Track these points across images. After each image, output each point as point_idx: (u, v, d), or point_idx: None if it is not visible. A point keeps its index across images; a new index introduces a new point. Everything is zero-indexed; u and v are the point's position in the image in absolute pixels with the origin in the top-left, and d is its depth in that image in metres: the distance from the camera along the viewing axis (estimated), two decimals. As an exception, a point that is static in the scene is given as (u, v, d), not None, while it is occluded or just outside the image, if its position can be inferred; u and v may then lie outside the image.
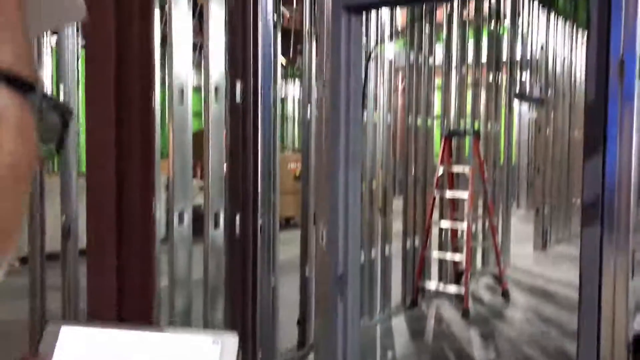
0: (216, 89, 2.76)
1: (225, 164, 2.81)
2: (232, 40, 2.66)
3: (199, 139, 2.94)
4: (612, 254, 1.70)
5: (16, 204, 0.37)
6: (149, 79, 2.48)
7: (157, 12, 3.09)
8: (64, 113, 0.40)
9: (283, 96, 15.46)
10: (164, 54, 3.07)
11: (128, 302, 2.59)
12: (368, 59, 4.62)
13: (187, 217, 2.89)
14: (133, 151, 2.41)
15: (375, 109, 4.99)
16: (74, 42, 3.68)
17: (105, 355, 0.65)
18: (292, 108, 15.62)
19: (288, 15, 10.39)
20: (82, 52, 3.98)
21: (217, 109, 2.75)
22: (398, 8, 5.51)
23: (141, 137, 2.44)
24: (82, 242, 3.19)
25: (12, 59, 0.35)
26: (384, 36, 4.97)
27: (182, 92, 2.74)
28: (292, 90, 15.41)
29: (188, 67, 2.93)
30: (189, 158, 2.85)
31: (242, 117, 2.53)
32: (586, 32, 1.75)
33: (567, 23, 8.71)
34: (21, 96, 0.36)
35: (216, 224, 2.81)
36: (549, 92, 8.24)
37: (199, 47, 3.43)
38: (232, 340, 0.65)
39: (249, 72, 2.49)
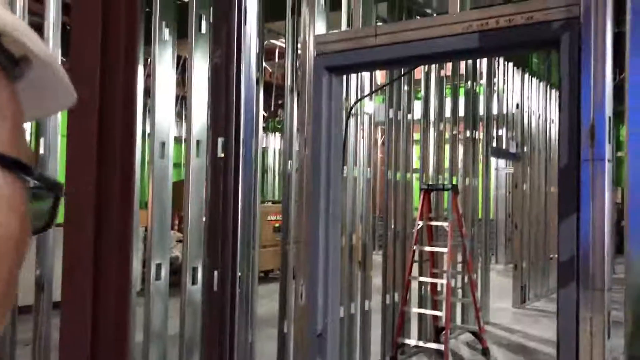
0: (198, 143, 2.78)
1: (204, 218, 2.81)
2: (215, 94, 2.70)
3: (179, 189, 2.94)
4: (588, 313, 1.71)
5: (5, 276, 0.38)
6: (131, 132, 2.50)
7: (140, 65, 3.15)
8: (56, 191, 0.42)
9: (264, 146, 15.57)
10: (147, 105, 3.11)
11: (101, 357, 2.52)
12: (348, 115, 4.70)
13: (165, 271, 2.86)
14: (111, 203, 2.40)
15: (355, 163, 5.05)
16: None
17: None
18: (272, 160, 15.71)
19: (270, 70, 10.60)
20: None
21: (198, 162, 2.77)
22: (378, 66, 5.67)
23: (121, 190, 2.44)
24: (56, 295, 3.12)
25: (7, 141, 0.37)
26: (364, 93, 5.08)
27: (163, 145, 2.76)
28: (272, 142, 15.54)
29: (170, 120, 2.96)
30: (167, 211, 2.84)
31: (223, 171, 2.54)
32: (559, 98, 1.83)
33: (541, 83, 9.01)
34: (15, 175, 0.38)
35: (194, 280, 2.78)
36: (525, 148, 8.43)
37: (182, 99, 3.47)
38: None
39: (231, 126, 2.52)
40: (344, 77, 2.52)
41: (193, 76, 2.82)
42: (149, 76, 3.12)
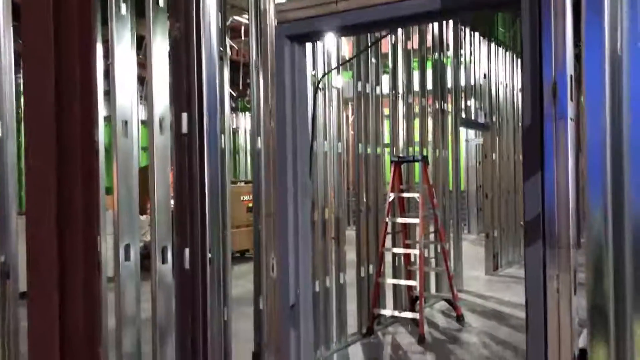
0: (161, 121, 2.72)
1: (172, 197, 2.77)
2: (175, 71, 2.64)
3: (148, 174, 2.87)
4: (555, 271, 1.74)
5: None
6: (91, 113, 2.43)
7: (99, 47, 3.05)
8: None
9: (235, 127, 15.43)
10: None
11: (72, 344, 2.49)
12: (316, 89, 4.66)
13: (134, 252, 2.81)
14: (75, 187, 2.34)
15: (326, 138, 5.03)
16: (11, 76, 3.57)
17: None
18: (244, 140, 15.59)
19: (237, 48, 10.44)
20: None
21: (162, 140, 2.71)
22: (344, 39, 5.62)
23: (83, 172, 2.38)
24: (22, 285, 3.05)
25: None
26: (331, 66, 5.04)
27: (125, 124, 2.69)
28: (243, 123, 15.40)
29: (132, 99, 2.88)
30: (134, 190, 2.78)
31: (188, 148, 2.50)
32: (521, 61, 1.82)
33: (508, 52, 9.07)
34: None
35: (164, 259, 2.74)
36: (494, 118, 8.51)
37: (145, 81, 3.39)
38: None
39: (194, 102, 2.47)
40: (308, 46, 2.48)
41: (153, 52, 2.74)
42: (108, 57, 3.03)
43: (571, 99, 1.76)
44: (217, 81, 2.83)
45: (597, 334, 1.62)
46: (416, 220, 5.64)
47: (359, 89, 5.53)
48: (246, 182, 11.11)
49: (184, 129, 2.58)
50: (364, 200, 5.55)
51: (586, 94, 1.63)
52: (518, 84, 9.41)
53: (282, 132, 2.24)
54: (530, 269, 1.76)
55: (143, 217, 5.82)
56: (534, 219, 1.75)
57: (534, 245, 1.75)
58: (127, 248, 2.76)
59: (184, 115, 2.60)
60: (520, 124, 9.33)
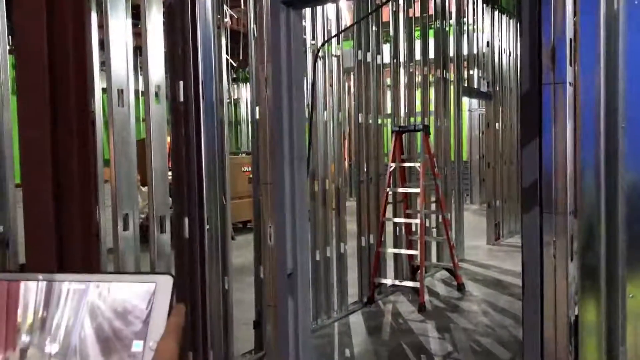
0: (157, 90, 2.69)
1: (169, 165, 2.75)
2: (170, 39, 2.60)
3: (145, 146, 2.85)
4: (551, 237, 1.73)
5: None
6: (85, 83, 2.40)
7: (94, 16, 3.01)
8: None
9: (236, 98, 15.34)
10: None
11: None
12: (315, 58, 4.61)
13: (133, 221, 2.81)
14: (71, 157, 2.33)
15: (326, 108, 4.99)
16: (3, 46, 3.53)
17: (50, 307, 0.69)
18: (245, 111, 15.51)
19: (236, 17, 10.30)
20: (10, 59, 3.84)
21: (158, 109, 2.69)
22: (344, 7, 5.53)
23: (79, 143, 2.36)
24: (22, 257, 3.06)
25: None
26: (331, 35, 4.97)
27: (121, 92, 2.67)
28: (244, 94, 15.31)
29: (127, 68, 2.85)
30: (132, 160, 2.77)
31: (184, 116, 2.47)
32: (519, 25, 1.79)
33: (511, 20, 8.92)
34: None
35: (162, 229, 2.74)
36: (497, 86, 8.42)
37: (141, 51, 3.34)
38: (167, 281, 0.67)
39: (189, 69, 2.44)
40: (304, 12, 2.43)
41: (147, 19, 2.70)
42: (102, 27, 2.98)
43: (570, 64, 1.73)
44: (214, 49, 2.79)
45: (588, 298, 1.62)
46: (417, 190, 5.64)
47: (360, 57, 5.47)
48: (248, 154, 11.09)
49: (180, 97, 2.56)
50: (365, 170, 5.54)
51: (580, 56, 1.59)
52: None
53: (278, 100, 2.22)
54: (526, 235, 1.76)
55: (144, 189, 5.83)
56: (531, 185, 1.74)
57: (530, 211, 1.74)
58: (125, 218, 2.76)
59: (180, 84, 2.57)
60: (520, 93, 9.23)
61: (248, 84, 14.73)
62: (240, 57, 12.07)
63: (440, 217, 6.40)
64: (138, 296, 0.67)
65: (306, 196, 2.36)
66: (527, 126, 1.76)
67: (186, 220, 2.73)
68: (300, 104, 2.31)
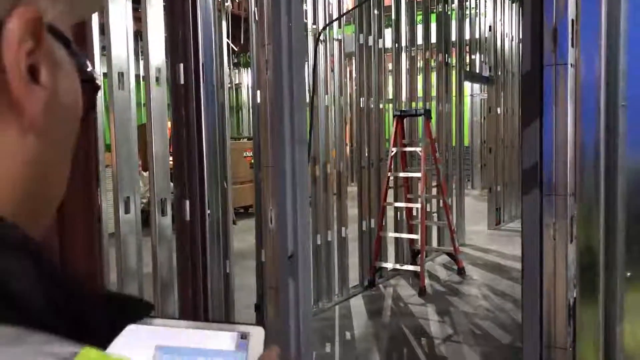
0: (158, 72, 2.69)
1: (170, 149, 2.76)
2: (171, 22, 2.59)
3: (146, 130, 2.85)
4: (551, 219, 1.73)
5: (71, 142, 0.43)
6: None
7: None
8: (93, 81, 0.46)
9: (237, 83, 15.29)
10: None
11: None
12: (317, 41, 4.59)
13: (134, 205, 2.82)
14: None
15: (327, 92, 4.98)
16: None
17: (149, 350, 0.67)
18: (246, 96, 15.47)
19: (237, 1, 10.23)
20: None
21: (159, 91, 2.68)
22: (346, -10, 5.49)
23: (81, 126, 2.36)
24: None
25: (63, 23, 0.40)
26: (332, 19, 4.95)
27: (122, 75, 2.66)
28: (246, 79, 15.26)
29: (128, 51, 2.84)
30: (133, 143, 2.78)
31: (185, 98, 2.47)
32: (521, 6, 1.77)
33: (514, 4, 8.85)
34: (71, 55, 0.41)
35: (163, 211, 2.75)
36: (499, 71, 8.38)
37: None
38: (259, 333, 0.66)
39: (190, 51, 2.43)
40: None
41: (148, 1, 2.69)
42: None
43: (572, 45, 1.72)
44: (215, 32, 2.78)
45: (586, 288, 1.62)
46: (418, 175, 5.64)
47: (361, 41, 5.44)
48: (249, 139, 11.09)
49: (181, 79, 2.55)
50: (366, 155, 5.54)
51: (581, 37, 1.58)
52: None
53: (279, 82, 2.21)
54: (527, 217, 1.76)
55: (145, 174, 5.83)
56: (531, 166, 1.74)
57: (530, 193, 1.75)
58: (127, 201, 2.77)
59: (181, 66, 2.56)
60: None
61: (249, 68, 14.71)
62: (242, 42, 12.02)
63: (441, 201, 6.41)
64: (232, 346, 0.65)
65: (307, 179, 2.36)
66: (528, 108, 1.75)
67: (187, 203, 2.74)
68: (300, 86, 2.31)
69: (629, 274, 1.49)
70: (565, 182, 1.70)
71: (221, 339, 0.65)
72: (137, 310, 0.46)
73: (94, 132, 2.58)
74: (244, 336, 0.65)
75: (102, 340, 0.38)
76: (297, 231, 2.25)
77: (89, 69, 0.45)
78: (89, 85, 0.45)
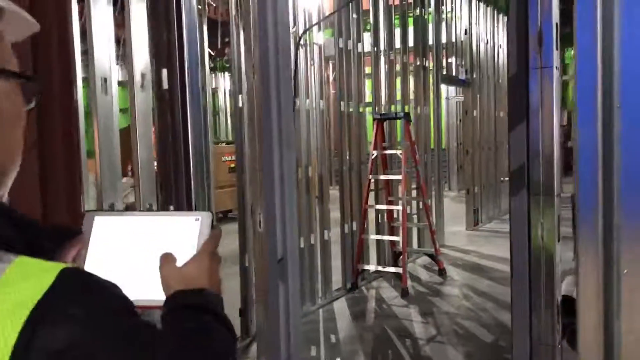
0: (142, 77, 2.66)
1: (155, 155, 2.73)
2: (155, 26, 2.57)
3: (127, 135, 2.82)
4: (539, 218, 1.77)
5: (17, 138, 0.66)
6: (70, 71, 2.37)
7: (75, 6, 2.95)
8: (34, 80, 0.70)
9: (214, 87, 15.22)
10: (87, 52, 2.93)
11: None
12: (297, 45, 4.60)
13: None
14: (56, 150, 2.30)
15: (308, 96, 4.99)
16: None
17: (121, 236, 0.87)
18: (223, 100, 15.41)
19: (214, 5, 10.20)
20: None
21: (143, 97, 2.66)
22: (324, -6, 5.51)
23: (64, 133, 2.33)
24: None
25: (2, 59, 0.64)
26: (312, 23, 4.97)
27: (105, 80, 2.64)
28: (222, 83, 15.20)
29: (110, 56, 2.81)
30: (116, 150, 2.75)
31: (170, 103, 2.45)
32: (507, 12, 1.80)
33: (489, 8, 8.99)
34: (11, 79, 0.65)
35: (149, 217, 2.72)
36: (474, 74, 8.50)
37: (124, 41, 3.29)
38: (207, 217, 0.87)
39: (175, 56, 2.42)
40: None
41: (131, 5, 2.67)
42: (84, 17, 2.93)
43: (556, 48, 1.76)
44: (197, 36, 2.77)
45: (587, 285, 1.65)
46: (399, 177, 5.68)
47: (341, 45, 5.47)
48: (227, 143, 11.04)
49: (165, 84, 2.54)
50: (347, 158, 5.56)
51: (578, 39, 1.62)
52: (499, 40, 9.37)
53: (266, 85, 2.22)
54: (514, 217, 1.79)
55: (124, 180, 5.77)
56: (519, 167, 1.77)
57: (518, 193, 1.78)
58: (111, 208, 2.74)
59: (165, 71, 2.55)
60: (499, 81, 9.34)
61: (226, 73, 14.65)
62: (218, 46, 11.97)
63: (421, 203, 6.47)
64: (188, 227, 0.86)
65: (294, 181, 2.37)
66: (515, 110, 1.79)
67: (172, 209, 2.72)
68: (287, 89, 2.31)
69: (625, 270, 1.53)
70: (552, 183, 1.74)
71: (180, 221, 0.87)
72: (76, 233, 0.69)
73: (77, 139, 2.55)
74: (197, 219, 0.87)
75: (49, 257, 0.57)
76: (287, 234, 2.25)
77: (29, 77, 0.67)
78: (27, 85, 0.67)
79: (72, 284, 0.51)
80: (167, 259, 0.81)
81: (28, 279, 0.50)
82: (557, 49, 1.75)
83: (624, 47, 1.55)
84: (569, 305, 1.87)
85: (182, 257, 0.82)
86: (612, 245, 1.53)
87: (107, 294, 0.55)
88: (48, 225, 0.65)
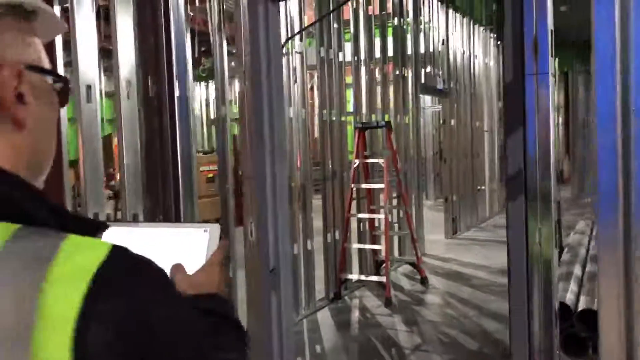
0: (128, 84, 2.62)
1: (140, 164, 2.68)
2: (142, 33, 2.53)
3: (104, 144, 2.77)
4: (537, 224, 1.77)
5: (53, 135, 0.71)
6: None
7: (57, 9, 2.90)
8: (65, 81, 0.73)
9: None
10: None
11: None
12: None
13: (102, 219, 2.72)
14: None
15: (290, 105, 4.98)
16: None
17: (132, 246, 0.83)
18: (199, 110, 15.29)
19: (192, 15, 10.13)
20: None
21: (129, 105, 2.61)
22: (306, 5, 5.52)
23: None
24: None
25: (38, 59, 0.68)
26: (294, 32, 4.96)
27: (89, 88, 2.58)
28: (198, 92, 15.09)
29: (94, 64, 2.76)
30: (99, 157, 2.69)
31: (158, 110, 2.41)
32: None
33: (465, 18, 9.12)
34: (50, 78, 0.69)
35: (136, 227, 2.66)
36: (451, 84, 8.59)
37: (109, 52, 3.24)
38: (216, 229, 0.90)
39: (163, 65, 2.38)
40: (281, 5, 2.41)
41: (117, 13, 2.62)
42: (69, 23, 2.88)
43: (551, 55, 1.77)
44: (184, 43, 2.73)
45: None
46: (381, 186, 5.69)
47: (322, 54, 5.48)
48: (204, 153, 10.94)
49: (153, 91, 2.49)
50: (330, 167, 5.55)
51: (596, 51, 1.62)
52: (475, 51, 9.50)
53: (258, 93, 2.19)
54: (512, 223, 1.79)
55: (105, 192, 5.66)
56: (516, 173, 1.77)
57: (516, 200, 1.78)
58: (95, 217, 2.67)
59: (150, 79, 2.51)
60: (475, 91, 9.46)
61: (202, 82, 14.54)
62: (195, 55, 11.88)
63: (402, 212, 6.48)
64: (198, 239, 0.89)
65: (286, 189, 2.34)
66: (512, 116, 1.80)
67: (160, 218, 2.67)
68: (279, 95, 2.29)
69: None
70: (549, 188, 1.75)
71: (190, 233, 0.90)
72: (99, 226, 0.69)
73: (60, 148, 2.48)
74: (205, 230, 0.90)
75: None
76: (279, 244, 2.22)
77: (60, 76, 0.71)
78: (62, 87, 0.70)
79: (124, 257, 0.54)
80: (177, 269, 0.84)
81: (83, 252, 0.53)
82: (551, 56, 1.76)
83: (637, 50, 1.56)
84: (563, 311, 1.88)
85: (192, 267, 0.85)
86: (630, 249, 1.53)
87: (157, 268, 0.58)
88: (75, 214, 0.65)
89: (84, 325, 0.49)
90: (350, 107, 6.27)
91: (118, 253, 0.55)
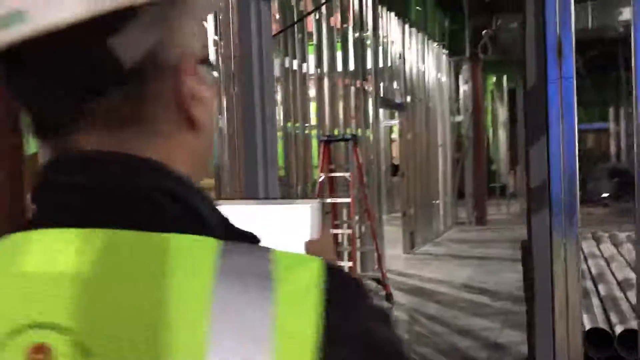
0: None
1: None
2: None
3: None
4: (561, 239, 1.66)
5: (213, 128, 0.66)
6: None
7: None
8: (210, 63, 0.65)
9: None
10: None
11: None
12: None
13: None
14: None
15: (255, 115, 4.79)
16: None
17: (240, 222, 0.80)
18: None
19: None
20: None
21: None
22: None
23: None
24: None
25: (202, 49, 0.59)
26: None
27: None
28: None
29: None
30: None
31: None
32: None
33: (419, 33, 9.19)
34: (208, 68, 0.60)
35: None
36: (408, 98, 8.60)
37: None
38: (318, 205, 0.92)
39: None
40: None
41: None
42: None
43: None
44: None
45: None
46: (347, 200, 5.56)
47: (286, 65, 5.33)
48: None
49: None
50: (295, 181, 5.38)
51: (636, 49, 1.53)
52: (428, 65, 9.58)
53: (250, 98, 2.01)
54: (536, 237, 1.68)
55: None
56: (540, 185, 1.66)
57: (540, 212, 1.67)
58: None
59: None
60: (429, 104, 9.52)
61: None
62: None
63: (363, 227, 6.37)
64: (302, 214, 0.92)
65: (278, 197, 2.16)
66: (534, 124, 1.69)
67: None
68: (271, 101, 2.12)
69: None
70: (575, 200, 1.64)
71: (295, 209, 0.94)
72: None
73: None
74: (310, 206, 0.92)
75: None
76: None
77: (212, 65, 0.69)
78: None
79: (333, 270, 0.51)
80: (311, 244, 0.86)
81: (298, 266, 0.51)
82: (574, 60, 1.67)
83: None
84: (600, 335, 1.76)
85: (298, 240, 0.86)
86: None
87: (357, 281, 0.55)
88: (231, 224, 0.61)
89: (324, 343, 0.47)
90: (313, 120, 6.14)
91: (327, 266, 0.52)
